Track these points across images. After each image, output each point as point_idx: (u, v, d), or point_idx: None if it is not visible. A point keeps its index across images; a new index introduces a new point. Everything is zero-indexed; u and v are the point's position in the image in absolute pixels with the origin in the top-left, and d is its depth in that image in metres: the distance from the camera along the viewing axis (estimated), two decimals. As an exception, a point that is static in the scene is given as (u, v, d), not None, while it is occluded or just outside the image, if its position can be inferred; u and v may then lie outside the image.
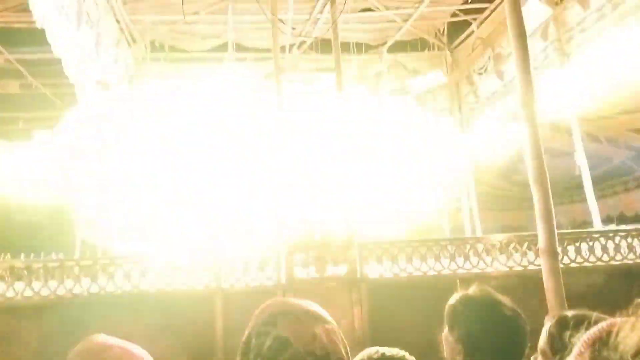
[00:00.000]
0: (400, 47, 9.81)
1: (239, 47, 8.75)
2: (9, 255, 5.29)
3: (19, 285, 3.20)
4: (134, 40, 8.70)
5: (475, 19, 8.61)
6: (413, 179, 6.04)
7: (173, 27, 8.37)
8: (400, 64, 10.17)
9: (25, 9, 7.76)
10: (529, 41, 3.74)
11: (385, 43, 9.47)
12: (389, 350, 1.50)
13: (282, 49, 9.26)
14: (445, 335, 1.58)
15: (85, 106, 5.99)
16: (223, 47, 8.90)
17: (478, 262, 3.77)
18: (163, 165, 8.31)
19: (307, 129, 4.76)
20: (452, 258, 3.71)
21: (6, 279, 3.21)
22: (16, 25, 8.24)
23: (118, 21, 7.81)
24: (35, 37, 8.08)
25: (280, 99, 3.62)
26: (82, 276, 3.28)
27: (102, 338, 1.34)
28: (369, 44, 9.44)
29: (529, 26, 4.84)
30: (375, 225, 4.93)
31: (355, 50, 9.27)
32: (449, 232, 8.60)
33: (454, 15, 8.81)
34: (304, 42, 8.93)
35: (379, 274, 3.49)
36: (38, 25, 4.73)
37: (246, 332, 1.10)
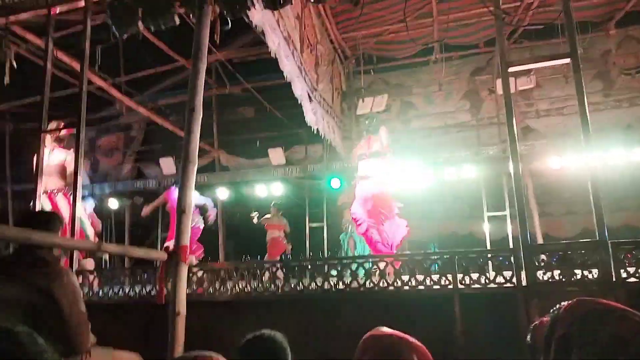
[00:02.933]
0: (632, 19, 8.49)
1: (446, 48, 8.65)
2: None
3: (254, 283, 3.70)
4: (346, 57, 9.34)
5: None
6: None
7: (380, 38, 8.71)
8: (633, 39, 8.80)
9: (256, 43, 9.07)
10: None
11: (612, 18, 8.30)
12: None
13: (489, 42, 8.92)
14: None
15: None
16: (428, 51, 8.92)
17: None
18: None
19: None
20: None
21: (246, 276, 3.73)
22: (250, 58, 9.65)
23: (332, 41, 8.48)
24: (266, 66, 9.33)
25: (507, 91, 3.44)
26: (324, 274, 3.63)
27: (384, 329, 1.48)
28: (593, 21, 8.37)
29: None
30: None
31: (579, 30, 8.34)
32: None
33: None
34: (515, 31, 8.40)
35: (638, 278, 3.04)
36: (272, 55, 5.40)
37: (559, 329, 1.09)
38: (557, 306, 1.20)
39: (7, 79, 5.76)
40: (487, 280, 3.27)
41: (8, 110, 9.95)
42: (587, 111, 3.42)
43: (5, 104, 9.59)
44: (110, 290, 3.87)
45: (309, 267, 3.69)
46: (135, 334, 3.64)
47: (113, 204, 9.06)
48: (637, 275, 3.05)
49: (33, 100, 8.82)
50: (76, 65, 6.22)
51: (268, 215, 9.32)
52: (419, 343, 1.38)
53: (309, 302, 3.56)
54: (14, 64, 5.51)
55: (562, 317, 1.16)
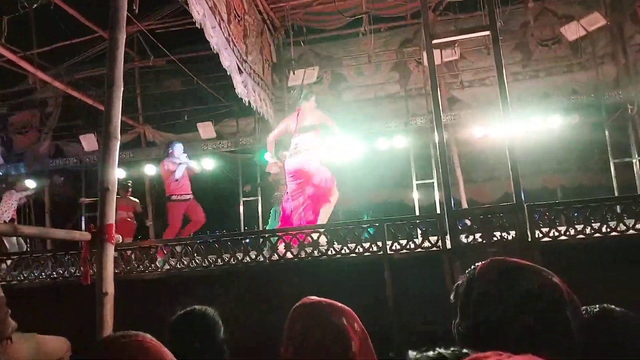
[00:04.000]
0: (547, -8, 8.96)
1: (374, 20, 8.70)
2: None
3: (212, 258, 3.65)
4: (275, 28, 9.17)
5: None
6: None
7: (309, 9, 8.62)
8: (549, 12, 9.29)
9: (180, 13, 8.69)
10: None
11: (530, -9, 8.70)
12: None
13: (415, 15, 9.08)
14: None
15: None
16: (357, 22, 8.94)
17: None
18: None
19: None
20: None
21: (202, 251, 3.68)
22: (174, 29, 9.24)
23: (260, 12, 8.28)
24: (193, 37, 8.97)
25: (432, 64, 3.53)
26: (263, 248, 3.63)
27: (312, 297, 1.50)
28: (511, -6, 8.73)
29: None
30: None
31: (499, 3, 8.67)
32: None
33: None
34: (440, 3, 8.60)
35: (552, 237, 3.28)
36: (197, 26, 5.20)
37: (476, 289, 1.15)
38: (472, 267, 1.27)
39: None
40: (414, 245, 3.41)
41: None
42: (506, 81, 3.60)
43: None
44: (31, 274, 3.66)
45: (244, 241, 3.68)
46: (62, 317, 3.49)
47: (30, 184, 8.48)
48: (550, 235, 3.29)
49: None
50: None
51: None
52: (346, 307, 1.42)
53: (244, 275, 3.57)
54: None
55: (479, 277, 1.22)
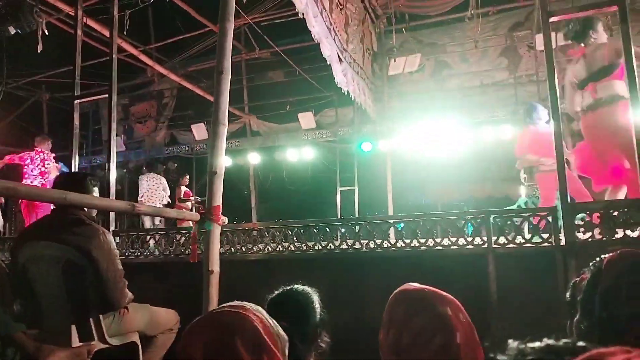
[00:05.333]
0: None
1: (482, 3, 8.25)
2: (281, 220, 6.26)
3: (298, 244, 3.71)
4: (377, 16, 9.07)
5: None
6: None
7: (413, -6, 8.40)
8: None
9: (285, 5, 8.90)
10: None
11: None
12: None
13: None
14: None
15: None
16: (462, 7, 8.54)
17: None
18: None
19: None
20: None
21: (277, 237, 3.76)
22: (278, 20, 9.50)
23: (362, 0, 8.22)
24: (295, 29, 9.17)
25: (549, 44, 3.25)
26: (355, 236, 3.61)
27: (415, 284, 1.45)
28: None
29: None
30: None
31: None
32: None
33: None
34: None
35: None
36: (300, 15, 5.27)
37: (604, 282, 1.03)
38: (598, 259, 1.14)
39: (39, 47, 5.86)
40: (523, 240, 3.18)
41: (44, 80, 10.17)
42: (635, 65, 3.21)
43: (40, 75, 9.80)
44: (146, 251, 3.98)
45: (341, 227, 3.68)
46: (172, 292, 3.75)
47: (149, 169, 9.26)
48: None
49: (67, 69, 8.99)
50: (107, 33, 6.27)
51: None
52: (451, 297, 1.34)
53: (341, 261, 3.57)
54: (46, 32, 5.58)
55: (607, 270, 1.09)
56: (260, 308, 1.20)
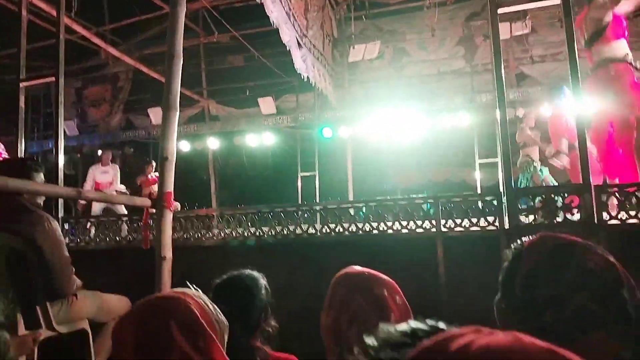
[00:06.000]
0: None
1: (440, -9, 8.37)
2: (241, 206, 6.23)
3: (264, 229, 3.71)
4: (337, 2, 9.05)
5: None
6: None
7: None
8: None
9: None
10: None
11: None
12: None
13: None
14: None
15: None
16: (422, -6, 8.64)
17: None
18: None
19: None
20: None
21: (231, 223, 3.76)
22: (237, 4, 9.36)
23: (322, -15, 8.18)
24: (255, 12, 9.04)
25: (497, 35, 3.35)
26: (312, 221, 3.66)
27: (356, 267, 1.49)
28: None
29: None
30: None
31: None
32: None
33: None
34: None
35: (621, 220, 3.07)
36: (258, 1, 5.21)
37: (525, 265, 1.08)
38: (519, 242, 1.19)
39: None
40: (470, 224, 3.30)
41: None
42: (577, 57, 3.35)
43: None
44: (97, 237, 3.90)
45: (297, 213, 3.71)
46: (123, 278, 3.69)
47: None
48: (619, 217, 3.08)
49: (13, 51, 8.58)
50: (54, 13, 6.02)
51: None
52: (389, 279, 1.39)
53: (295, 246, 3.61)
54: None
55: (527, 253, 1.15)
56: (202, 294, 1.21)
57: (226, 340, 1.23)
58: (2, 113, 9.12)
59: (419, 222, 3.32)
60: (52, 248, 2.52)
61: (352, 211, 3.57)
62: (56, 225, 2.61)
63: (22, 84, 4.13)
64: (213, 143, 10.03)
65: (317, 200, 8.90)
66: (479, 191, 8.41)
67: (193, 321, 1.10)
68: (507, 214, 3.23)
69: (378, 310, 1.30)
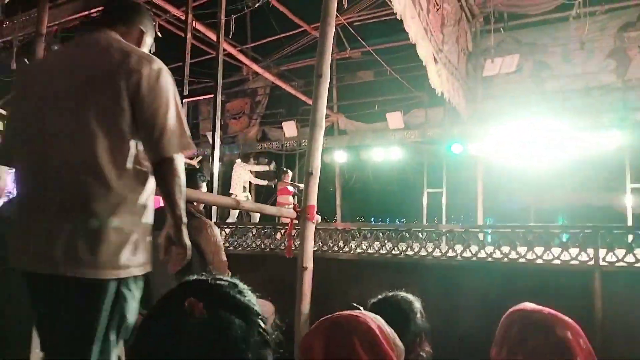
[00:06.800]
0: None
1: (589, 1, 7.72)
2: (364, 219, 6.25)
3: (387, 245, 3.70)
4: (473, 15, 8.79)
5: None
6: None
7: (514, -7, 8.05)
8: None
9: (379, 5, 8.90)
10: None
11: None
12: None
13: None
14: None
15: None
16: (567, 5, 8.05)
17: None
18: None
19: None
20: None
21: (368, 238, 3.76)
22: (369, 21, 9.52)
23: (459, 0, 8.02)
24: (384, 28, 9.15)
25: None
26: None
27: (531, 304, 1.42)
28: None
29: None
30: None
31: None
32: None
33: None
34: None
35: None
36: (397, 17, 5.24)
37: None
38: None
39: (152, 49, 6.34)
40: (634, 259, 2.98)
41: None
42: None
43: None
44: (245, 243, 4.19)
45: (434, 234, 3.65)
46: (265, 284, 3.92)
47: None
48: None
49: (170, 67, 9.59)
50: (211, 35, 6.66)
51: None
52: (572, 321, 1.31)
53: (432, 268, 3.54)
54: (159, 34, 6.02)
55: None
56: (379, 317, 1.25)
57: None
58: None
59: (574, 253, 3.07)
60: (213, 253, 2.76)
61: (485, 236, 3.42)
62: (217, 231, 2.85)
63: (185, 100, 4.61)
64: (340, 156, 10.28)
65: (444, 218, 8.65)
66: (629, 219, 7.55)
67: (373, 338, 1.15)
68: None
69: (559, 352, 1.23)
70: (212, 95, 4.36)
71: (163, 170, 1.58)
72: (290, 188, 8.75)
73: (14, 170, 1.64)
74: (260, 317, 0.75)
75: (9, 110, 1.75)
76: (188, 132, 1.65)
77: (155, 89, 1.54)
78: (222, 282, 0.75)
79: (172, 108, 1.59)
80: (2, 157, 1.67)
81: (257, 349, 0.69)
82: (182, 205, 1.65)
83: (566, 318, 1.31)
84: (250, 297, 0.76)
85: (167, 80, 1.60)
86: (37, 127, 1.51)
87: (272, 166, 8.72)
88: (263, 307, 2.90)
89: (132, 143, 1.52)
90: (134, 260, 1.53)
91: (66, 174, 1.45)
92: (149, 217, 1.63)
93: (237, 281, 0.76)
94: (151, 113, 1.52)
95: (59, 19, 7.21)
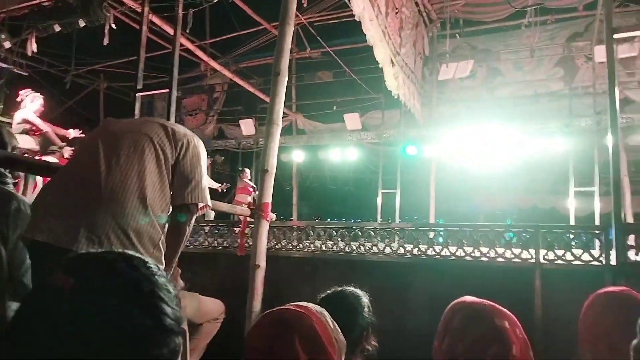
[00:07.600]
0: None
1: (541, 11, 8.06)
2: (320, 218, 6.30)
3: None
4: (431, 20, 9.00)
5: None
6: None
7: (470, 0, 8.29)
8: None
9: (339, 6, 8.99)
10: None
11: None
12: None
13: (590, 5, 8.19)
14: None
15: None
16: (519, 14, 8.38)
17: None
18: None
19: None
20: None
21: (322, 236, 3.80)
22: (329, 22, 9.58)
23: (417, 4, 8.18)
24: (344, 30, 9.23)
25: (612, 60, 3.18)
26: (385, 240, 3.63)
27: (471, 297, 1.47)
28: None
29: None
30: None
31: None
32: None
33: None
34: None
35: None
36: (356, 19, 5.31)
37: None
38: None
39: (106, 40, 6.16)
40: (572, 257, 3.14)
41: (103, 69, 10.61)
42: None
43: (100, 65, 10.24)
44: (196, 241, 4.14)
45: (386, 232, 3.72)
46: (217, 282, 3.88)
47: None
48: None
49: (126, 60, 9.35)
50: (169, 29, 6.51)
51: None
52: (509, 312, 1.37)
53: (383, 265, 3.61)
54: (114, 26, 5.86)
55: None
56: (324, 311, 1.27)
57: (343, 359, 1.28)
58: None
59: (517, 251, 3.20)
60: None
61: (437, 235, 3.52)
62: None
63: (138, 94, 4.50)
64: (298, 156, 10.30)
65: (398, 218, 8.81)
66: (572, 221, 7.93)
67: (314, 338, 1.16)
68: (614, 249, 3.04)
69: (499, 340, 1.28)
70: (167, 91, 4.27)
71: (182, 212, 2.01)
72: (251, 188, 8.69)
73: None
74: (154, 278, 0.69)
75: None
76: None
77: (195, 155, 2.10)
78: (105, 254, 0.71)
79: (205, 172, 2.13)
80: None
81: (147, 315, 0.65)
82: (179, 254, 2.06)
83: (503, 309, 1.37)
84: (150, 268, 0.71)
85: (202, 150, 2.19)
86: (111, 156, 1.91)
87: (224, 186, 8.47)
88: (213, 305, 2.88)
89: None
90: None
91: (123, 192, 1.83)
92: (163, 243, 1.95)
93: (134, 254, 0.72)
94: (190, 169, 2.04)
95: (8, 6, 6.90)
